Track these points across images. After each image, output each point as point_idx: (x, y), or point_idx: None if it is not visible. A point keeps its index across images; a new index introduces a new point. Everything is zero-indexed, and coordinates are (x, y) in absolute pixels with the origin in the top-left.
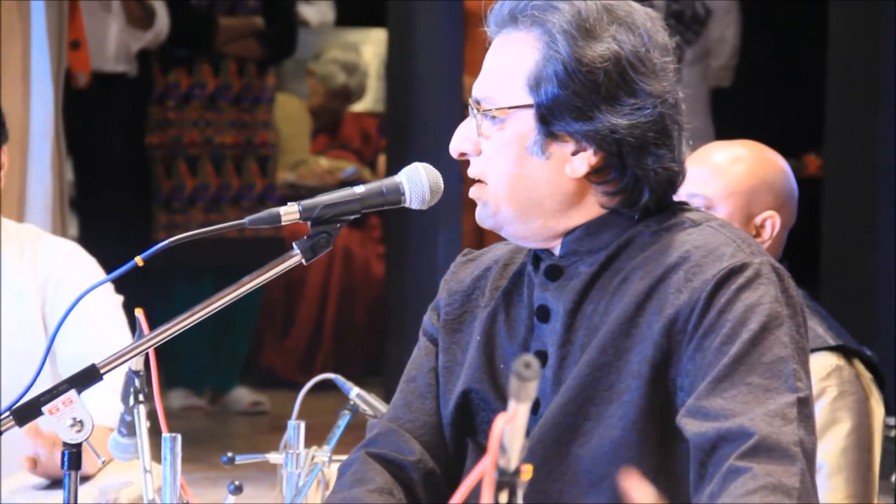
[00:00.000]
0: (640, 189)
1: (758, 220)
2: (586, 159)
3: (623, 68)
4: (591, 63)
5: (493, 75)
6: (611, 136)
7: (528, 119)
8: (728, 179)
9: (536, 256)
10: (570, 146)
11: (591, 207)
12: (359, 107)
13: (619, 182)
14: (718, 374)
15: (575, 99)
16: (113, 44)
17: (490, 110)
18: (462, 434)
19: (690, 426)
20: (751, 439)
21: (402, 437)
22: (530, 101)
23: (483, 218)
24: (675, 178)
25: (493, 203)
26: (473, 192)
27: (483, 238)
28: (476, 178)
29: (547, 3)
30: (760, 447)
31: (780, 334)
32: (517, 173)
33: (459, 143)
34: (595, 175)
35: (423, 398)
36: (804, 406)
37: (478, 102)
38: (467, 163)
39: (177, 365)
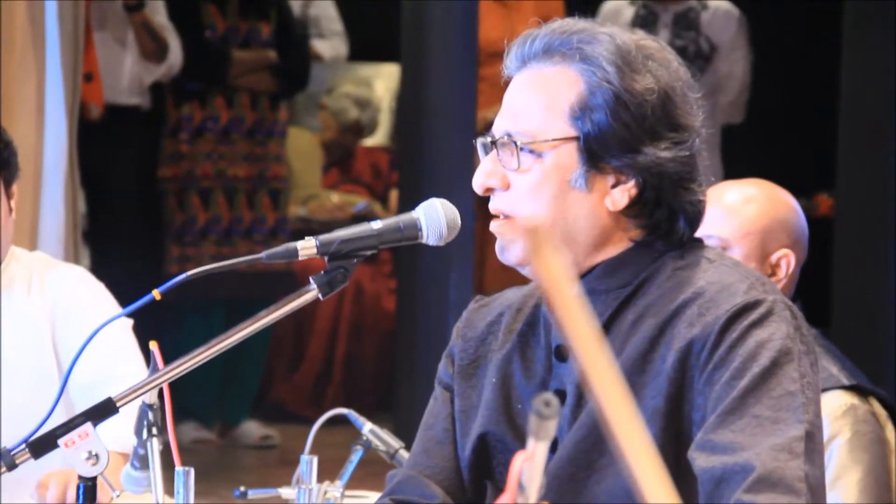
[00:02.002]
0: (675, 220)
1: (773, 258)
2: (627, 192)
3: (664, 101)
4: (640, 95)
5: (530, 108)
6: (654, 168)
7: (572, 152)
8: (742, 220)
9: None
10: (611, 179)
11: (621, 242)
12: (370, 141)
13: (654, 215)
14: (727, 407)
15: (623, 130)
16: (126, 76)
17: (530, 143)
18: (481, 476)
19: (699, 461)
20: (756, 474)
21: (423, 483)
22: (574, 133)
23: (507, 255)
24: (703, 209)
25: (522, 239)
26: (498, 228)
27: (495, 275)
28: (500, 214)
29: (589, 37)
30: (765, 482)
31: (790, 370)
32: (556, 207)
33: (485, 179)
34: (631, 208)
35: (441, 444)
36: (812, 440)
37: (509, 136)
38: (481, 198)
39: (187, 398)
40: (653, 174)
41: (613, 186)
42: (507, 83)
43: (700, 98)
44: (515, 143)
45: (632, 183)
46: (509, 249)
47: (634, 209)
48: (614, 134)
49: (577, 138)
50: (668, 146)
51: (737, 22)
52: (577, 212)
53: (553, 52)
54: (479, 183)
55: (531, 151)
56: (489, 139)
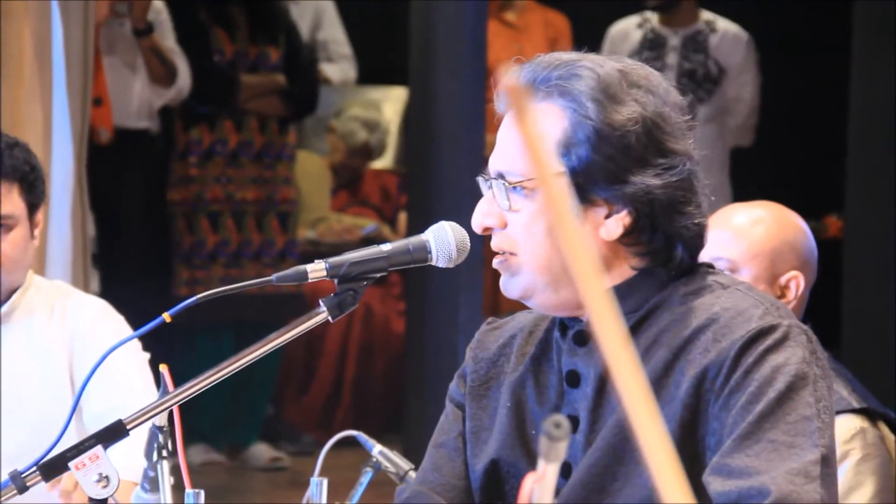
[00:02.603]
0: (672, 247)
1: (782, 280)
2: (620, 221)
3: (650, 129)
4: (621, 126)
5: (515, 149)
6: (644, 196)
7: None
8: (750, 242)
9: (563, 323)
10: (603, 210)
11: (622, 270)
12: (379, 164)
13: (651, 242)
14: (743, 431)
15: (608, 163)
16: (136, 100)
17: (519, 182)
18: (492, 499)
19: (714, 485)
20: (772, 498)
21: (433, 498)
22: (560, 169)
23: (510, 289)
24: (703, 233)
25: (523, 275)
26: (499, 265)
27: (503, 296)
28: (500, 251)
29: (568, 73)
30: None
31: (806, 394)
32: (551, 242)
33: (483, 218)
34: (627, 237)
35: (451, 461)
36: (827, 464)
37: (501, 176)
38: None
39: (197, 420)
40: (643, 202)
41: (607, 217)
42: (499, 121)
43: (690, 121)
44: (505, 183)
45: (624, 212)
46: (511, 284)
47: (630, 238)
48: (599, 167)
49: (562, 174)
50: (658, 172)
51: (745, 45)
52: None
53: (536, 88)
54: (477, 223)
55: (521, 190)
56: (485, 180)
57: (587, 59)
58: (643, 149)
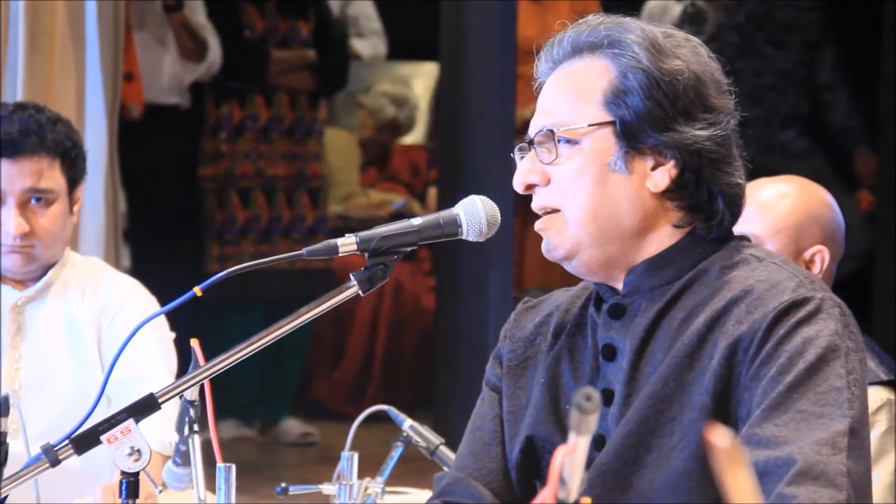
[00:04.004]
0: (714, 202)
1: (807, 255)
2: (667, 172)
3: (696, 83)
4: (671, 74)
5: (562, 102)
6: (692, 146)
7: (608, 136)
8: (775, 216)
9: (598, 298)
10: (650, 161)
11: (664, 229)
12: (408, 139)
13: (694, 196)
14: (772, 401)
15: (657, 110)
16: (166, 76)
17: (566, 132)
18: (529, 477)
19: None
20: (797, 467)
21: (471, 485)
22: (609, 117)
23: (554, 248)
24: (742, 193)
25: (569, 229)
26: (542, 224)
27: (534, 271)
28: (544, 210)
29: (616, 26)
30: (807, 475)
31: (837, 366)
32: (599, 191)
33: (526, 176)
34: (672, 191)
35: (488, 446)
36: (856, 436)
37: (548, 130)
38: (519, 195)
39: (227, 396)
40: (690, 153)
41: (653, 169)
42: (539, 89)
43: (730, 84)
44: (553, 133)
45: (671, 163)
46: (556, 243)
47: (675, 192)
48: (649, 113)
49: (612, 122)
50: (704, 126)
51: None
52: (619, 194)
53: (581, 47)
54: (519, 181)
55: (568, 140)
56: (526, 142)
57: (631, 20)
58: (689, 102)
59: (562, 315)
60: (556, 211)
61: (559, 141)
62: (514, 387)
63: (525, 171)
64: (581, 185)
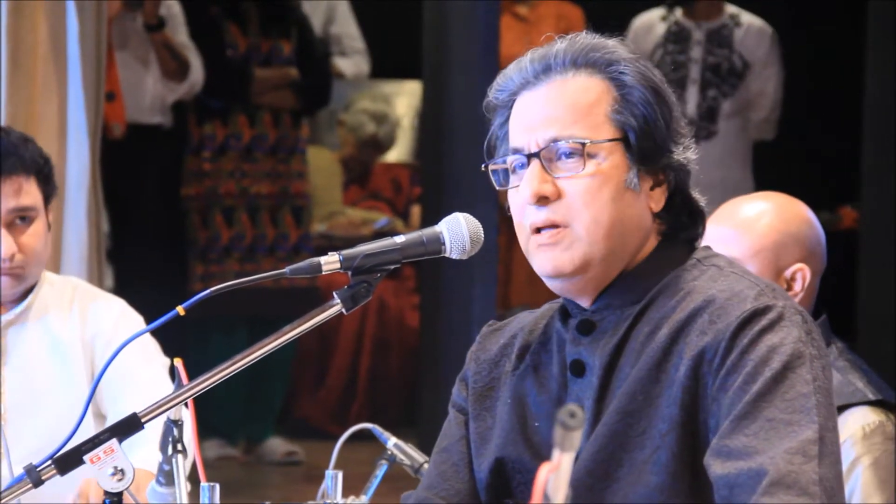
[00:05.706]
0: (695, 221)
1: (787, 273)
2: (663, 193)
3: (675, 104)
4: (666, 94)
5: (572, 114)
6: (683, 167)
7: (622, 153)
8: (753, 237)
9: (564, 312)
10: (650, 180)
11: (648, 248)
12: (391, 157)
13: (680, 215)
14: (740, 411)
15: (660, 130)
16: (148, 95)
17: (585, 146)
18: (500, 496)
19: (714, 467)
20: (769, 478)
21: None
22: (619, 134)
23: (563, 264)
24: (703, 211)
25: (582, 246)
26: (549, 240)
27: (522, 289)
28: (550, 225)
29: (606, 47)
30: (780, 485)
31: (803, 372)
32: (616, 208)
33: (540, 186)
34: (662, 211)
35: (456, 467)
36: (825, 442)
37: (559, 141)
38: (503, 213)
39: (212, 414)
40: (681, 175)
41: (652, 189)
42: (508, 104)
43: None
44: (582, 146)
45: (666, 184)
46: (566, 259)
47: (664, 211)
48: (653, 133)
49: (624, 139)
50: (686, 146)
51: (770, 39)
52: (630, 212)
53: (579, 63)
54: (534, 191)
55: (589, 155)
56: (525, 154)
57: (611, 41)
58: (676, 122)
59: (526, 336)
60: (562, 226)
61: (574, 155)
62: (479, 408)
63: (539, 180)
64: (598, 202)
